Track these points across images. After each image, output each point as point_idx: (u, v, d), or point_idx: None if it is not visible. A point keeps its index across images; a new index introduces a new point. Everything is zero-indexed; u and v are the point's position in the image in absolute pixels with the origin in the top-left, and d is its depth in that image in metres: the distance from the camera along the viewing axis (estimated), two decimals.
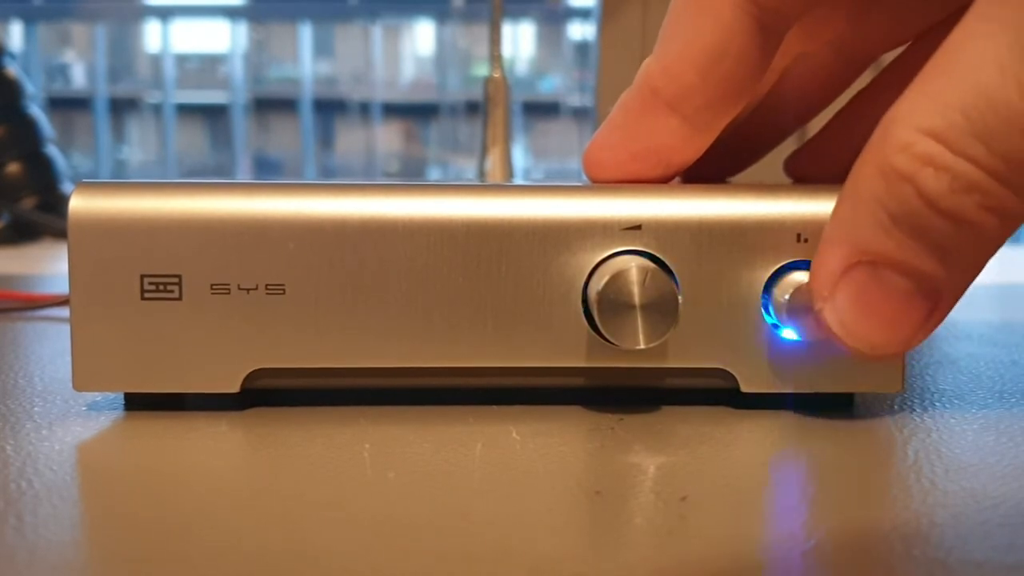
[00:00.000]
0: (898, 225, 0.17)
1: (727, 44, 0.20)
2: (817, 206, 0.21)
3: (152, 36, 2.76)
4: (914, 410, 0.22)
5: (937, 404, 0.23)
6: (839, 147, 0.26)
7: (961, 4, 0.23)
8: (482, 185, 0.22)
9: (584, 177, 0.23)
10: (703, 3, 0.20)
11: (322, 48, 2.83)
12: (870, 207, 0.17)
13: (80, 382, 0.21)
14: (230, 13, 2.77)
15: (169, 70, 2.72)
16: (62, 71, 2.78)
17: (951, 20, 0.24)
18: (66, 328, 0.30)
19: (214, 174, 2.71)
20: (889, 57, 0.25)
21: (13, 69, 0.63)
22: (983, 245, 0.17)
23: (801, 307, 0.20)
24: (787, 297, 0.20)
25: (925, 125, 0.16)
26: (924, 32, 0.24)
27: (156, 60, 2.76)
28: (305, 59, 2.75)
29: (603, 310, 0.20)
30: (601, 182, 0.22)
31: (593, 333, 0.21)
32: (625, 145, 0.22)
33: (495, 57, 0.58)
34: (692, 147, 0.21)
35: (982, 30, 0.16)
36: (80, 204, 0.21)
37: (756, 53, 0.20)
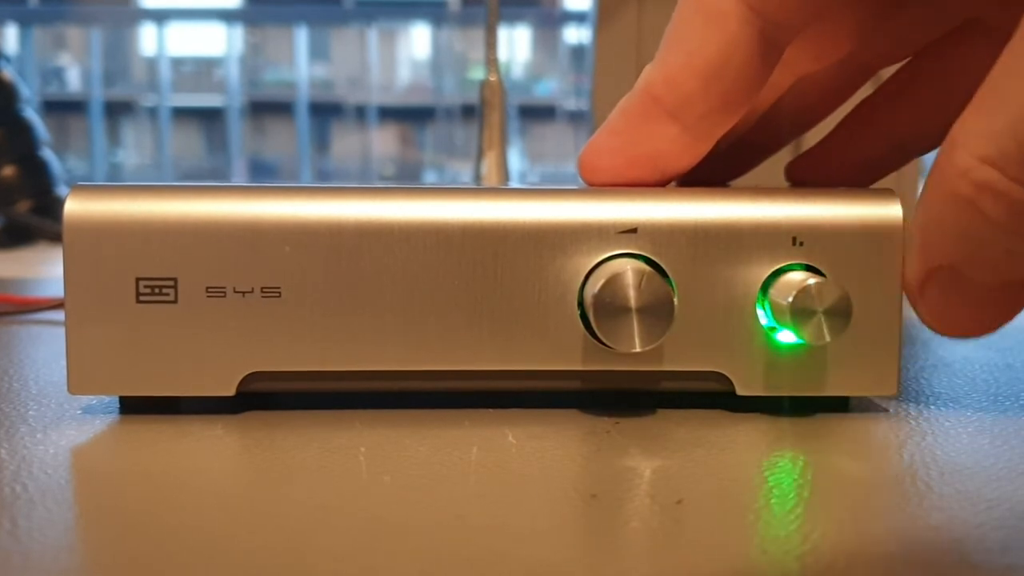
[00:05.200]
0: (968, 240, 0.18)
1: (731, 55, 0.20)
2: (813, 210, 0.21)
3: (147, 39, 2.76)
4: (909, 413, 0.22)
5: (932, 407, 0.23)
6: (841, 156, 0.26)
7: (964, 20, 0.23)
8: (478, 189, 0.22)
9: (579, 180, 0.23)
10: (709, 14, 0.20)
11: (318, 51, 2.83)
12: (941, 224, 0.18)
13: (75, 386, 0.21)
14: (226, 16, 2.77)
15: (164, 73, 2.72)
16: (57, 74, 2.78)
17: (953, 35, 0.24)
18: (61, 332, 0.30)
19: (209, 177, 2.70)
20: (889, 69, 0.26)
21: (8, 72, 0.63)
22: None
23: (805, 309, 0.20)
24: (790, 299, 0.20)
25: (980, 152, 0.17)
26: (926, 47, 0.24)
27: (151, 63, 2.76)
28: (301, 62, 2.75)
29: (599, 313, 0.20)
30: (596, 186, 0.22)
31: (589, 336, 0.21)
32: (624, 151, 0.22)
33: (491, 61, 0.58)
34: (690, 155, 0.22)
35: None
36: (75, 207, 0.21)
37: (758, 65, 0.21)
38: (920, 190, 0.19)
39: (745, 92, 0.21)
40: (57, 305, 0.35)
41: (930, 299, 0.20)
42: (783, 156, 0.27)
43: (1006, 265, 0.18)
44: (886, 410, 0.22)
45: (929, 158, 0.22)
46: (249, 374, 0.21)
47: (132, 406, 0.22)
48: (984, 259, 0.18)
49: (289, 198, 0.21)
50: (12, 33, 2.61)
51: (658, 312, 0.20)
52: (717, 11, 0.20)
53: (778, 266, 0.21)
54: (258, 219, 0.21)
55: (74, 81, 2.78)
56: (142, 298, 0.21)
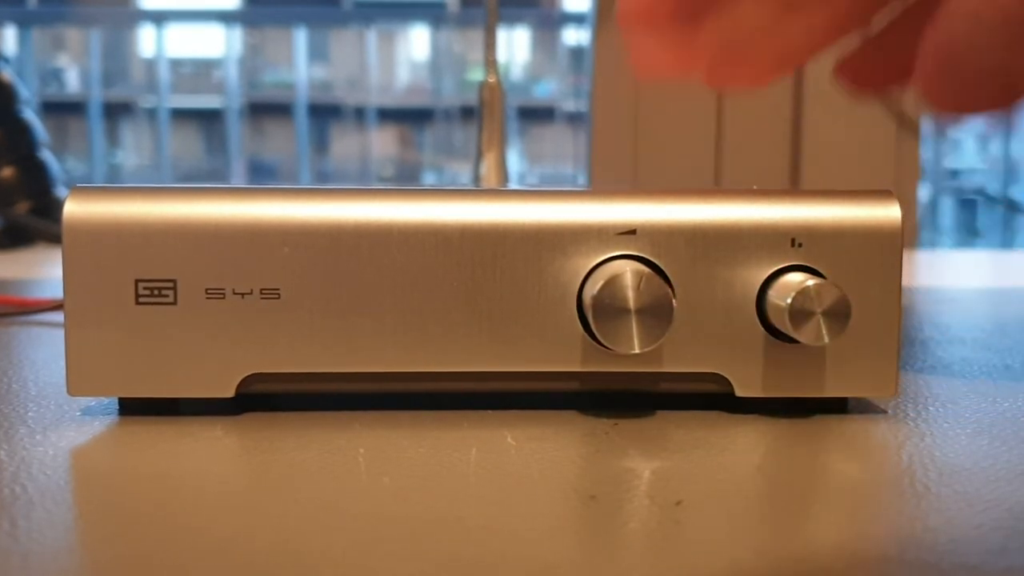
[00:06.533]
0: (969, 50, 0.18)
1: None
2: (812, 211, 0.21)
3: (146, 41, 2.76)
4: (908, 415, 0.22)
5: (930, 408, 0.23)
6: (900, 47, 0.25)
7: None
8: (477, 190, 0.22)
9: (578, 183, 0.23)
10: None
11: (317, 53, 2.83)
12: (952, 35, 0.18)
13: (74, 387, 0.21)
14: (225, 18, 2.77)
15: (164, 74, 2.72)
16: (56, 75, 2.78)
17: None
18: (60, 333, 0.30)
19: (209, 179, 2.70)
20: None
21: (7, 73, 0.63)
22: None
23: (803, 310, 0.20)
24: (789, 300, 0.20)
25: None
26: None
27: (151, 65, 2.76)
28: (300, 64, 2.75)
29: (598, 314, 0.20)
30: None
31: (588, 337, 0.21)
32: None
33: (490, 62, 0.58)
34: None
35: None
36: (75, 208, 0.21)
37: None
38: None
39: None
40: (56, 306, 0.35)
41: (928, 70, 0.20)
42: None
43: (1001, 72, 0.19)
44: (884, 411, 0.22)
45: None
46: (248, 375, 0.21)
47: (131, 407, 0.22)
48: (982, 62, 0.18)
49: (288, 200, 0.21)
50: (11, 34, 2.61)
51: (657, 313, 0.20)
52: None
53: (777, 267, 0.21)
54: (257, 221, 0.21)
55: (73, 82, 2.78)
56: (141, 300, 0.21)
